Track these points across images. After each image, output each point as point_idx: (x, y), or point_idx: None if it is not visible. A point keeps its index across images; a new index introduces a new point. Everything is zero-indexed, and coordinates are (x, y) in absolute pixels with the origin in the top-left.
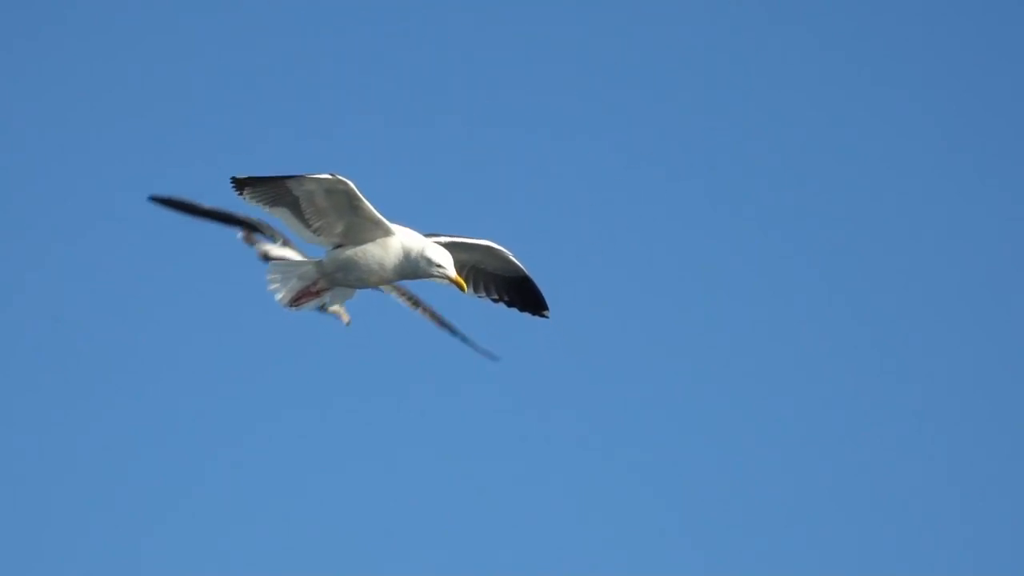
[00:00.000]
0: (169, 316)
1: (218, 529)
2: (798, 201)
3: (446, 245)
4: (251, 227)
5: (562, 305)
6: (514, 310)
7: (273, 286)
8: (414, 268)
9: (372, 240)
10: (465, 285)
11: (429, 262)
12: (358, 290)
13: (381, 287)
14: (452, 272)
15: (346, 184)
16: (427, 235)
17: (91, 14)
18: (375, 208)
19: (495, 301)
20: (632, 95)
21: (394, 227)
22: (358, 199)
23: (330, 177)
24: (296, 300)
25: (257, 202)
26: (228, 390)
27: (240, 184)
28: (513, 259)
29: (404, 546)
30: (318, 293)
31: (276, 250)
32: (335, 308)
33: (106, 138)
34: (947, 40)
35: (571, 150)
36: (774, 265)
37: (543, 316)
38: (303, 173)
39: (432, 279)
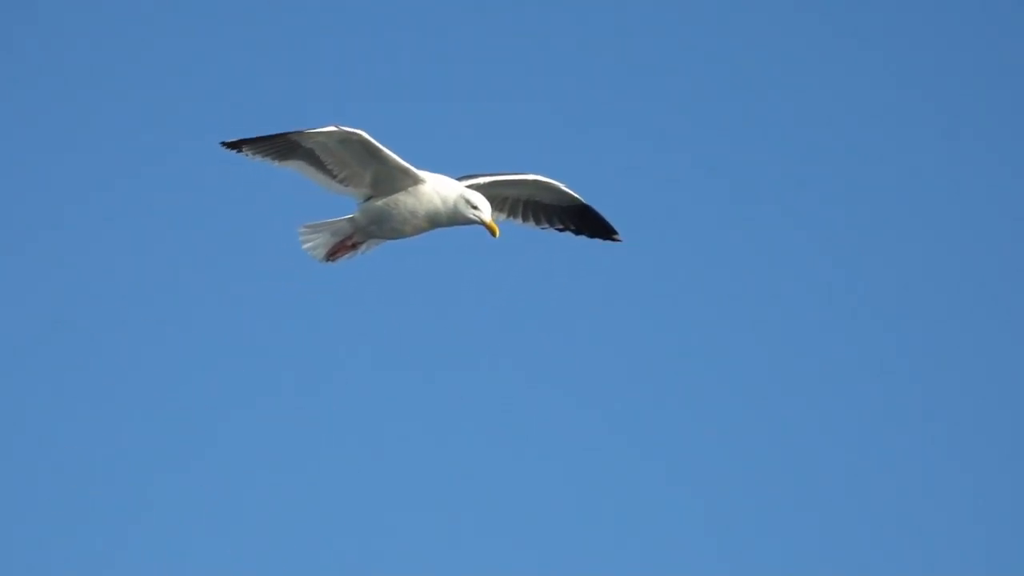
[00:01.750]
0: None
1: (212, 523)
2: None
3: (487, 185)
4: None
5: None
6: (583, 238)
7: (307, 244)
8: (450, 213)
9: (403, 189)
10: (497, 230)
11: (468, 203)
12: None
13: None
14: (488, 216)
15: (359, 135)
16: (462, 177)
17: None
18: (399, 156)
19: (560, 231)
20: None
21: (423, 174)
22: (377, 148)
23: (335, 129)
24: (332, 254)
25: (263, 157)
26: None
27: (233, 147)
28: (566, 189)
29: (410, 541)
30: (354, 246)
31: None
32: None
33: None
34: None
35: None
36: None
37: (615, 240)
38: (302, 128)
39: (469, 224)
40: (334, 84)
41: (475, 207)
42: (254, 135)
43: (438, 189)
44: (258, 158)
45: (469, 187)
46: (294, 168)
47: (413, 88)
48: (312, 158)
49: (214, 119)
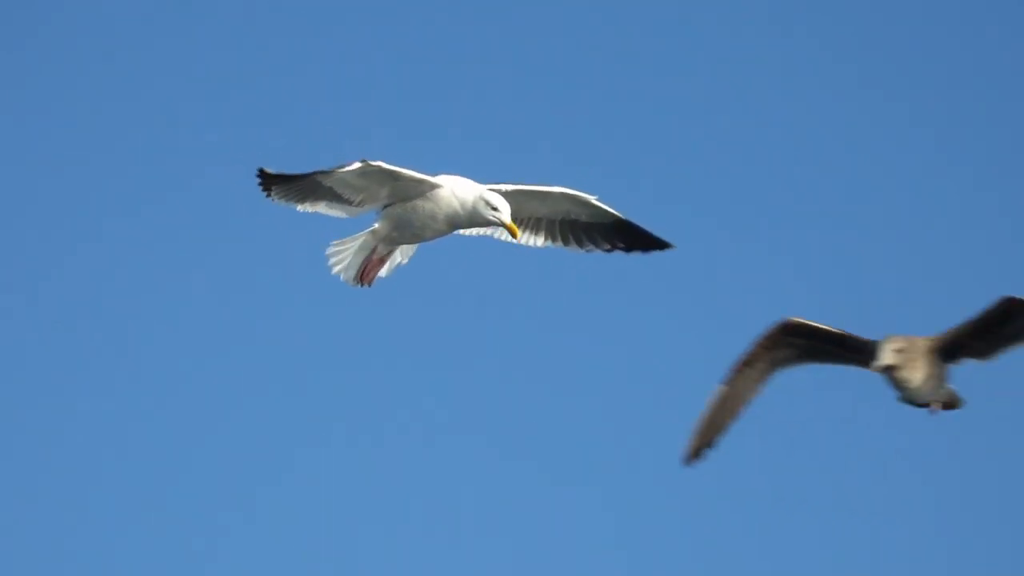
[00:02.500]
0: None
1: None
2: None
3: (511, 193)
4: None
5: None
6: (636, 253)
7: (337, 268)
8: (469, 215)
9: (421, 195)
10: (518, 232)
11: (487, 204)
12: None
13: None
14: (507, 217)
15: (379, 166)
16: (484, 184)
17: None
18: (415, 171)
19: (608, 251)
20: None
21: (439, 179)
22: (395, 172)
23: (360, 166)
24: (363, 275)
25: (288, 201)
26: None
27: (268, 181)
28: (598, 203)
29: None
30: (381, 261)
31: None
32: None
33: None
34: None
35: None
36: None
37: (669, 248)
38: (333, 168)
39: (489, 226)
40: (331, 83)
41: (494, 208)
42: (280, 171)
43: (456, 192)
44: (283, 201)
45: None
46: (316, 210)
47: (410, 87)
48: (333, 195)
49: (213, 123)
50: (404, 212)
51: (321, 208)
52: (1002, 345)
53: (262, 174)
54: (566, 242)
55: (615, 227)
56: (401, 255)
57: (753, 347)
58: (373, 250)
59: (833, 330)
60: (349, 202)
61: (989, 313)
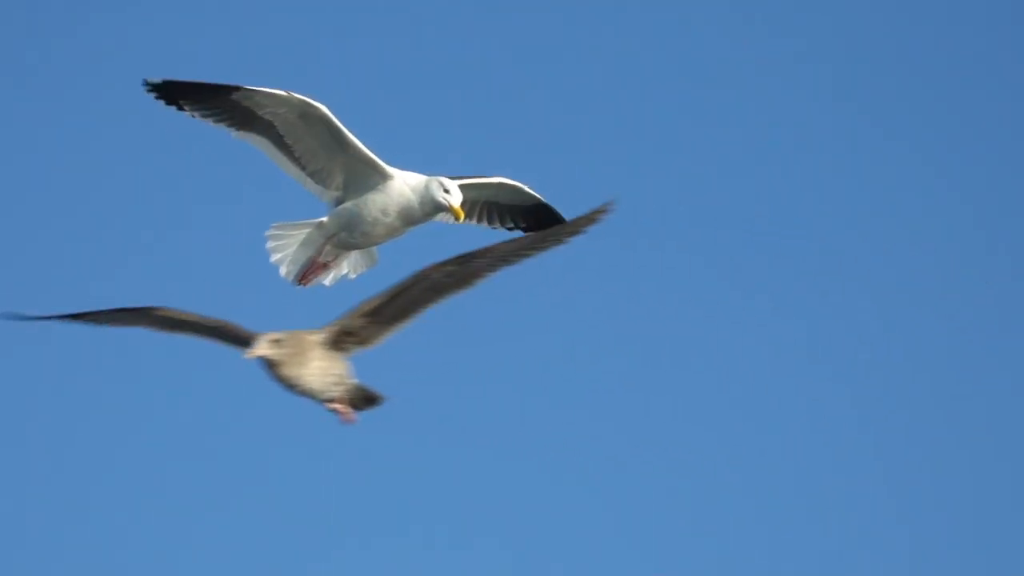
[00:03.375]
0: None
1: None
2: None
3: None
4: None
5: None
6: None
7: (276, 256)
8: (422, 200)
9: (373, 188)
10: (462, 214)
11: (440, 185)
12: (377, 261)
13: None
14: (456, 201)
15: (320, 109)
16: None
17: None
18: (364, 145)
19: (510, 230)
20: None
21: (391, 170)
22: (340, 132)
23: (284, 94)
24: (304, 277)
25: (214, 120)
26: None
27: (167, 94)
28: (528, 190)
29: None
30: (326, 266)
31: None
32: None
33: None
34: None
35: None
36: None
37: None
38: (248, 85)
39: (437, 211)
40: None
41: (447, 190)
42: (178, 79)
43: (407, 180)
44: (209, 121)
45: None
46: (256, 144)
47: (404, 85)
48: (273, 135)
49: None
50: (355, 207)
51: (262, 145)
52: (389, 324)
53: (149, 84)
54: (479, 220)
55: (530, 209)
56: (349, 267)
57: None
58: (320, 251)
59: (204, 320)
60: (301, 163)
61: (392, 292)
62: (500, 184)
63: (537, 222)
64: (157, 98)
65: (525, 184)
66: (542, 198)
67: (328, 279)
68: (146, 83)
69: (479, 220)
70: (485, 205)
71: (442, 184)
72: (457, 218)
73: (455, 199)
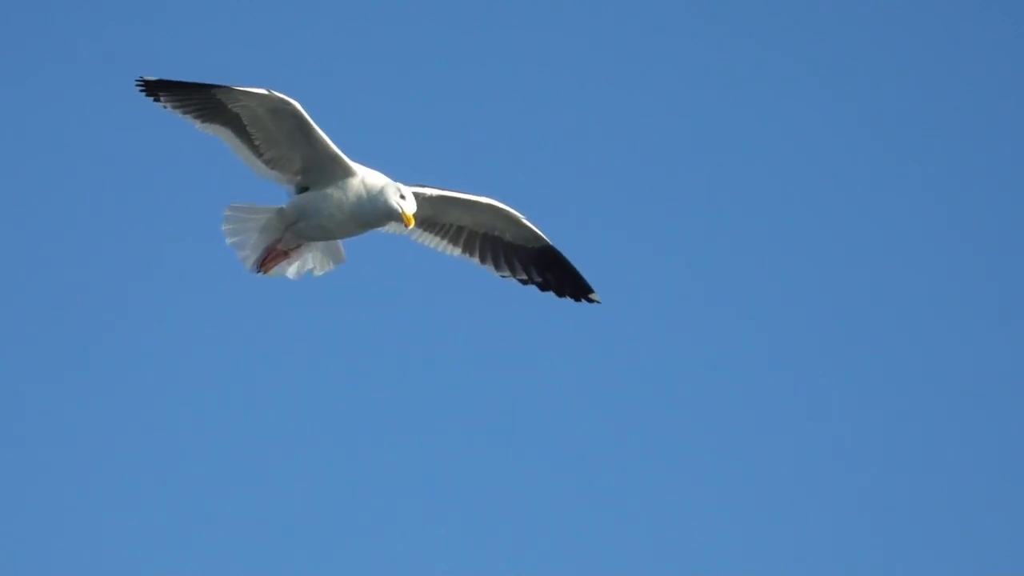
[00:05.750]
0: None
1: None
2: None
3: (435, 198)
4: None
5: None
6: (550, 294)
7: (233, 239)
8: (373, 202)
9: (334, 183)
10: (412, 221)
11: (397, 190)
12: (345, 256)
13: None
14: (411, 208)
15: (292, 105)
16: (413, 186)
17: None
18: (331, 141)
19: (524, 283)
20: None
21: (356, 167)
22: (309, 126)
23: (266, 93)
24: (264, 264)
25: (183, 112)
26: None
27: (151, 87)
28: (526, 222)
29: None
30: (286, 254)
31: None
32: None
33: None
34: None
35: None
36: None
37: (591, 301)
38: (231, 84)
39: (389, 218)
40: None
41: (402, 196)
42: (167, 78)
43: (366, 180)
44: (179, 113)
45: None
46: (218, 134)
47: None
48: (238, 127)
49: None
50: (315, 199)
51: (225, 136)
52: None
53: (143, 82)
54: (483, 259)
55: (540, 254)
56: (314, 263)
57: None
58: (278, 238)
59: None
60: (258, 151)
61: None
62: (491, 208)
63: (552, 275)
64: (139, 90)
65: (522, 214)
66: (541, 232)
67: (292, 273)
68: (141, 82)
69: (482, 259)
70: (487, 240)
71: (399, 190)
72: (407, 224)
73: (409, 207)
